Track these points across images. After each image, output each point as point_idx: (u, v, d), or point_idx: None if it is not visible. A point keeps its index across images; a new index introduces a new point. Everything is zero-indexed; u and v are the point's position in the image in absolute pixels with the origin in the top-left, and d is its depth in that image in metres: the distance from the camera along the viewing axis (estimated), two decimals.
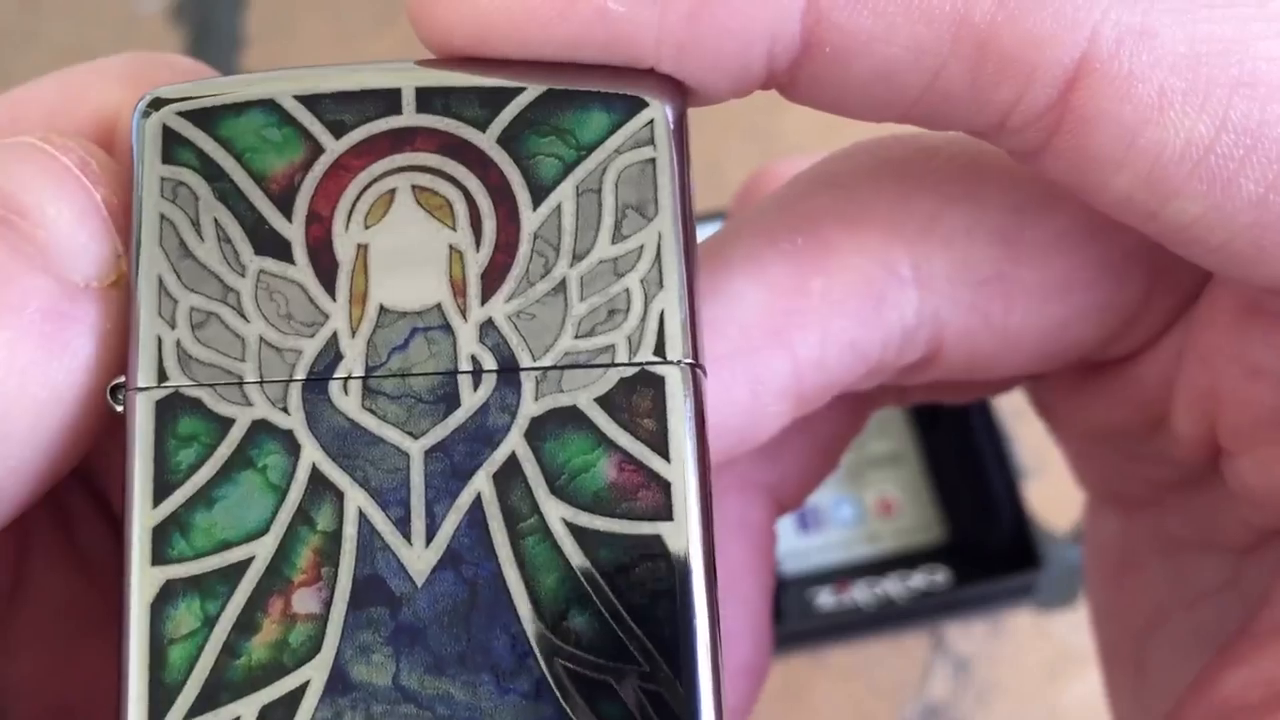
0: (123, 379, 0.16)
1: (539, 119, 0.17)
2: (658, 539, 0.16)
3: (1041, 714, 0.49)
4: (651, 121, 0.17)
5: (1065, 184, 0.18)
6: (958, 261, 0.19)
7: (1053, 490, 0.51)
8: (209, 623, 0.15)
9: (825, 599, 0.48)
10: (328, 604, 0.15)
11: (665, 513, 0.16)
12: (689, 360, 0.16)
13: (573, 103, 0.17)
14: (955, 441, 0.49)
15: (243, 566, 0.15)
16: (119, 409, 0.16)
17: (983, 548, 0.48)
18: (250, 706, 0.15)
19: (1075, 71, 0.16)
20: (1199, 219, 0.17)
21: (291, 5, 0.61)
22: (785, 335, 0.18)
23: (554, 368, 0.16)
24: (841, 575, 0.49)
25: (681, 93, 0.17)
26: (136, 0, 0.62)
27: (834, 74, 0.17)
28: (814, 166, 0.20)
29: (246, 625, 0.15)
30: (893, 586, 0.48)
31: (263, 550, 0.16)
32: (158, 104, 0.17)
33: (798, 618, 0.48)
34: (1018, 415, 0.53)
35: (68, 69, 0.19)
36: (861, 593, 0.48)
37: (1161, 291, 0.20)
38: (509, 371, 0.16)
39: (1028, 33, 0.16)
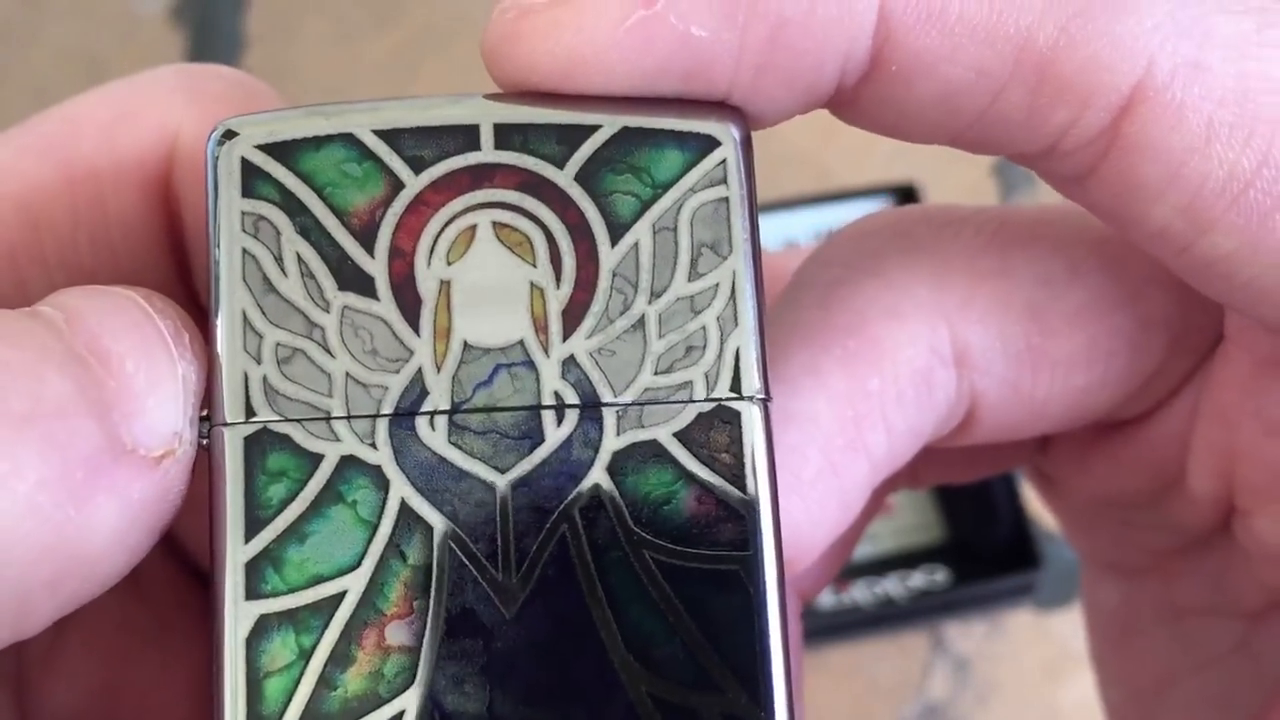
0: (205, 412, 0.17)
1: (615, 157, 0.17)
2: (736, 572, 0.16)
3: (1041, 713, 0.49)
4: (724, 161, 0.17)
5: (1106, 212, 0.18)
6: (993, 336, 0.19)
7: None
8: (304, 655, 0.16)
9: (825, 598, 0.48)
10: (420, 636, 0.16)
11: (743, 544, 0.16)
12: (762, 396, 0.17)
13: (648, 140, 0.17)
14: None
15: (336, 600, 0.16)
16: (204, 443, 0.16)
17: (982, 547, 0.48)
18: None
19: (1129, 99, 0.17)
20: (1231, 254, 0.17)
21: (292, 6, 0.61)
22: (859, 441, 0.19)
23: (634, 404, 0.17)
24: (841, 575, 0.49)
25: (747, 125, 0.17)
26: (137, 0, 0.62)
27: (897, 94, 0.17)
28: (842, 247, 0.20)
29: (341, 658, 0.16)
30: (892, 586, 0.48)
31: (355, 584, 0.16)
32: (231, 134, 0.17)
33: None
34: None
35: (114, 83, 0.19)
36: (861, 592, 0.48)
37: (1178, 354, 0.20)
38: (591, 407, 0.16)
39: (1088, 59, 0.16)
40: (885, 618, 0.48)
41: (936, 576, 0.48)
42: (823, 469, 0.19)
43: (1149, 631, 0.24)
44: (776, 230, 0.51)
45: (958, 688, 0.49)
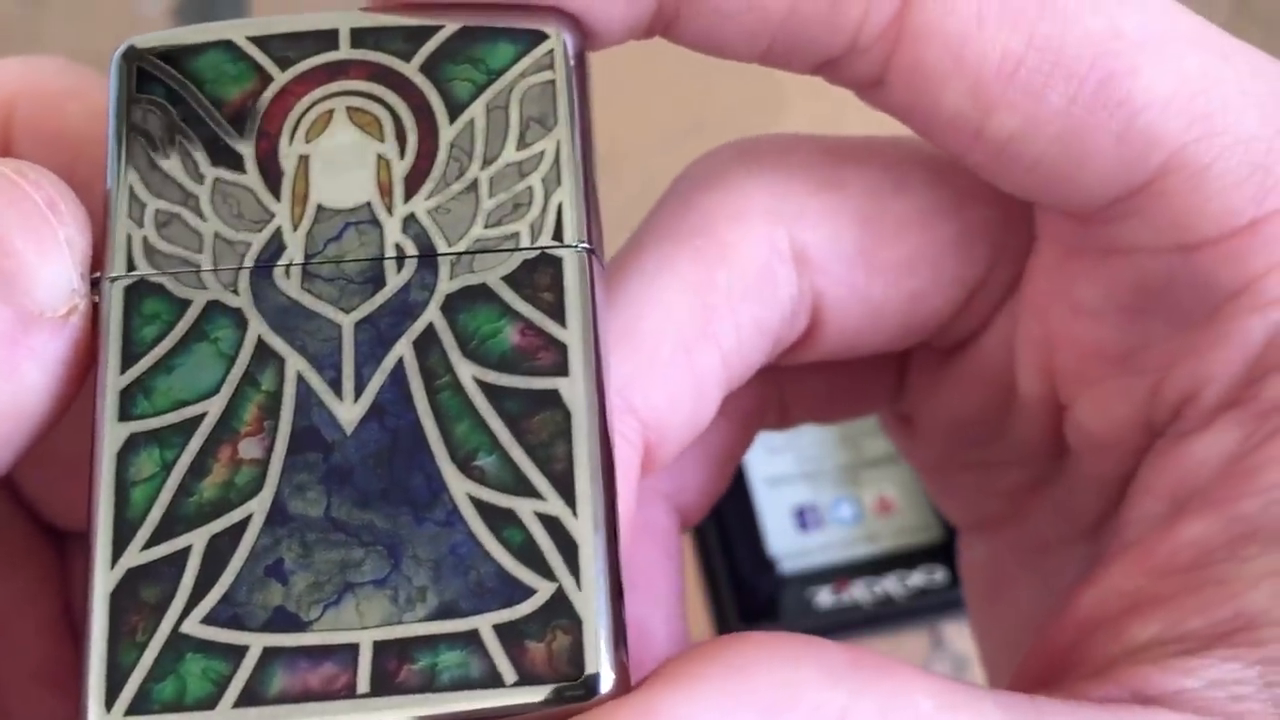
0: (97, 275, 0.19)
1: (456, 50, 0.20)
2: (555, 392, 0.18)
3: None
4: (551, 50, 0.20)
5: (905, 109, 0.20)
6: (827, 239, 0.21)
7: None
8: (166, 468, 0.18)
9: (825, 598, 0.48)
10: (269, 450, 0.18)
11: (562, 369, 0.18)
12: (585, 245, 0.19)
13: (485, 37, 0.20)
14: None
15: (196, 421, 0.18)
16: (95, 300, 0.19)
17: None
18: (201, 536, 0.18)
19: None
20: (1016, 134, 0.19)
21: (293, 6, 0.61)
22: (709, 330, 0.21)
23: (466, 252, 0.19)
24: (841, 574, 0.49)
25: (580, 31, 0.20)
26: (139, 1, 0.62)
27: (710, 4, 0.19)
28: (697, 165, 0.22)
29: (199, 470, 0.18)
30: (892, 585, 0.48)
31: (214, 408, 0.18)
32: (132, 49, 0.21)
33: (797, 616, 0.48)
34: None
35: None
36: (861, 591, 0.48)
37: (1001, 264, 0.22)
38: (428, 256, 0.19)
39: None
40: (884, 617, 0.48)
41: (936, 576, 0.48)
42: (676, 351, 0.20)
43: (1015, 578, 0.26)
44: None
45: None
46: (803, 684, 0.17)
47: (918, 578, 0.48)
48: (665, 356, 0.20)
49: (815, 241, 0.21)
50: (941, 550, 0.49)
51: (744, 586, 0.49)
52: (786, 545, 0.49)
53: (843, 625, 0.48)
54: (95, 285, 0.19)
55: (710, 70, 0.65)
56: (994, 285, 0.22)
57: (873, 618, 0.48)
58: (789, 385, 0.25)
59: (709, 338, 0.21)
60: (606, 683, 0.17)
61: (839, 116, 0.58)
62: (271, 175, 0.19)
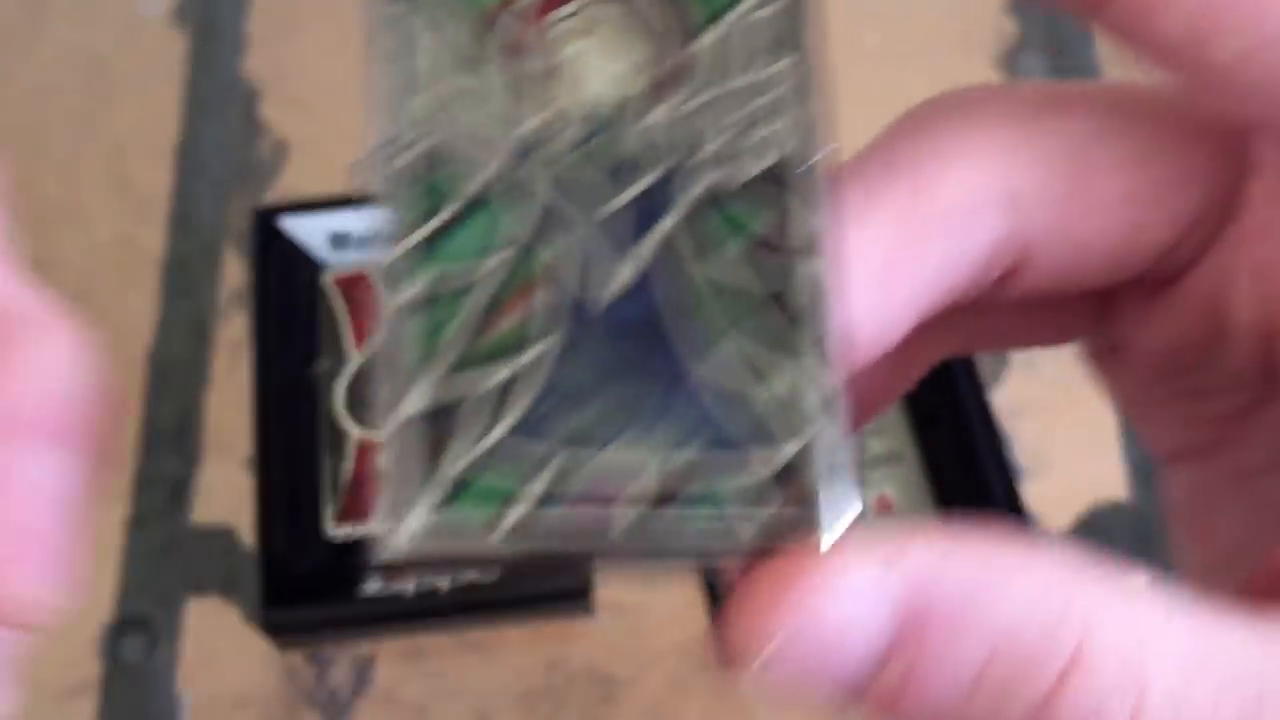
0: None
1: None
2: (807, 270, 0.20)
3: None
4: None
5: (1126, 29, 0.20)
6: (1039, 182, 0.22)
7: (1052, 490, 0.52)
8: (453, 309, 0.20)
9: None
10: (542, 317, 0.20)
11: (811, 250, 0.20)
12: (826, 150, 0.20)
13: None
14: (953, 441, 0.49)
15: (477, 279, 0.20)
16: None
17: None
18: (479, 371, 0.20)
19: None
20: (1240, 54, 0.19)
21: (294, 7, 0.61)
22: (913, 254, 0.21)
23: (719, 151, 0.21)
24: None
25: None
26: (140, 1, 0.62)
27: None
28: (911, 111, 0.23)
29: (486, 319, 0.20)
30: None
31: (492, 268, 0.20)
32: None
33: None
34: (1016, 415, 0.53)
35: None
36: None
37: (1217, 196, 0.22)
38: (676, 161, 0.21)
39: None
40: None
41: None
42: (872, 274, 0.21)
43: (1224, 507, 0.26)
44: None
45: None
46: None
47: None
48: (861, 278, 0.21)
49: (1026, 185, 0.22)
50: None
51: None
52: None
53: None
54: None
55: None
56: (1209, 218, 0.23)
57: None
58: (986, 315, 0.25)
59: (906, 266, 0.21)
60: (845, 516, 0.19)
61: (844, 115, 0.59)
62: (533, 75, 0.21)
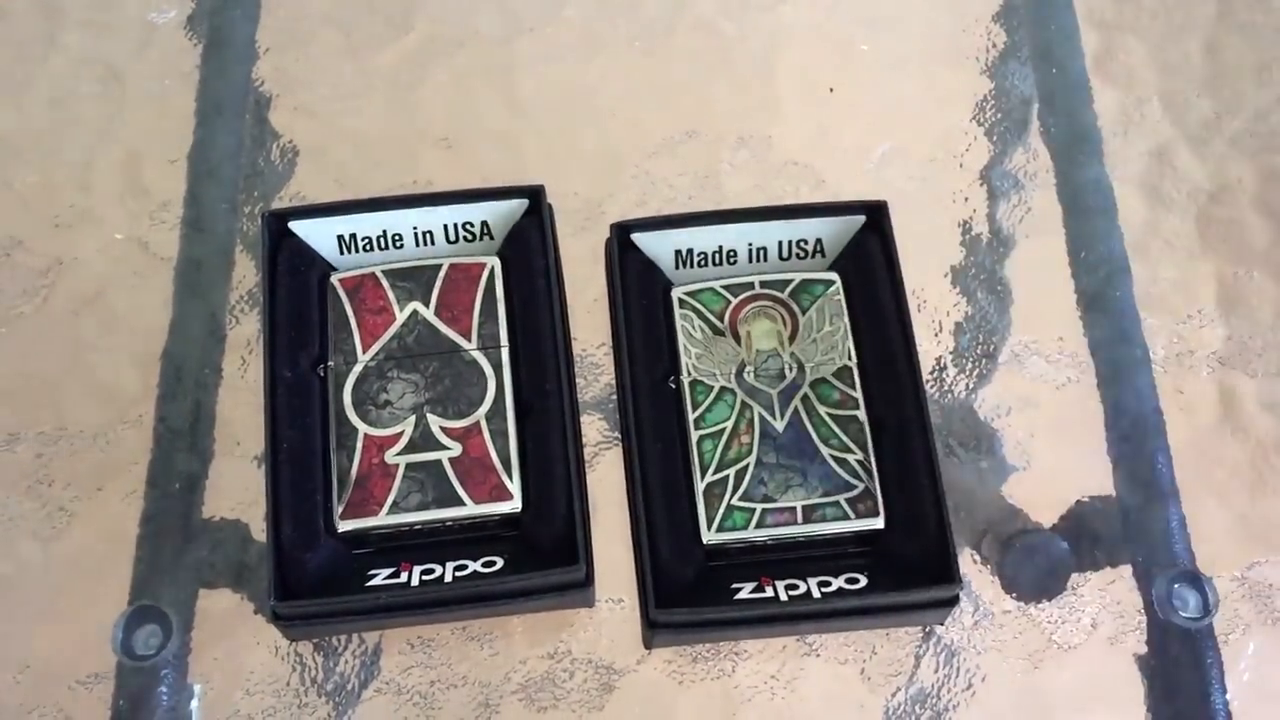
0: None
1: (801, 286, 0.53)
2: (855, 416, 0.51)
3: (1028, 700, 0.50)
4: (836, 285, 0.53)
5: None
6: None
7: (1037, 486, 0.53)
8: (715, 446, 0.50)
9: (816, 590, 0.49)
10: (753, 441, 0.50)
11: (856, 406, 0.52)
12: (849, 363, 0.54)
13: (816, 283, 0.54)
14: (894, 456, 0.50)
15: (723, 430, 0.50)
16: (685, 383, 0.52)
17: (906, 559, 0.49)
18: (733, 469, 0.50)
19: None
20: None
21: (304, 16, 0.62)
22: None
23: (815, 364, 0.51)
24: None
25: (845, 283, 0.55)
26: (153, 11, 0.63)
27: None
28: None
29: (729, 445, 0.50)
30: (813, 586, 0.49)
31: (729, 424, 0.50)
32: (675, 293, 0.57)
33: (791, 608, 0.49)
34: (1003, 412, 0.54)
35: None
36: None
37: None
38: (800, 369, 0.51)
39: None
40: (881, 610, 0.49)
41: (857, 580, 0.49)
42: None
43: None
44: (742, 238, 0.53)
45: (948, 675, 0.50)
46: None
47: (841, 582, 0.49)
48: None
49: None
50: (867, 558, 0.50)
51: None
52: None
53: (843, 614, 0.49)
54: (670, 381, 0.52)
55: (706, 79, 0.66)
56: None
57: (870, 610, 0.48)
58: None
59: None
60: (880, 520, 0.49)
61: (833, 124, 0.60)
62: (737, 338, 0.52)
